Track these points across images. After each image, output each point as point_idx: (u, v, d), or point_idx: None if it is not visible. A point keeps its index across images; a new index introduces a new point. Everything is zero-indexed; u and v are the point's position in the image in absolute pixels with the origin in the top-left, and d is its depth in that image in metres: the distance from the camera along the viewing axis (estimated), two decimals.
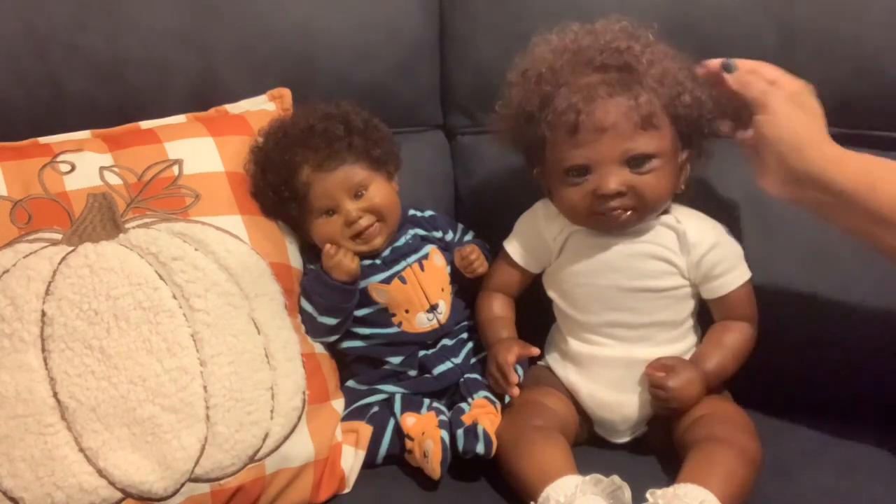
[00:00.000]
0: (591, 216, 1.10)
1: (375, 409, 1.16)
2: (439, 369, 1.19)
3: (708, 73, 1.09)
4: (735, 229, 1.17)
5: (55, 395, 0.99)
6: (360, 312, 1.19)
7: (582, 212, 1.10)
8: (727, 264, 1.12)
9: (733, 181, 1.26)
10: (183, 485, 1.00)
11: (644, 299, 1.12)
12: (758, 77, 1.06)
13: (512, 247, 1.20)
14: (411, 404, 1.15)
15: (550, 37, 1.12)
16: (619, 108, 1.05)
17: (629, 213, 1.08)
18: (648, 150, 1.06)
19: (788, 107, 1.04)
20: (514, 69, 1.13)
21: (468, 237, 1.29)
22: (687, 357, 1.13)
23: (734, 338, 1.13)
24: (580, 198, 1.09)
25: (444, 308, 1.21)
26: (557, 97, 1.07)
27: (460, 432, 1.09)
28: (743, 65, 1.08)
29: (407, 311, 1.19)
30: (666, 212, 1.14)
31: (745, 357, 1.13)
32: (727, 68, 1.08)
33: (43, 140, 1.18)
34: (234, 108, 1.26)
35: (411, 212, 1.25)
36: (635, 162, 1.06)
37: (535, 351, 1.16)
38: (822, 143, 1.03)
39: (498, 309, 1.22)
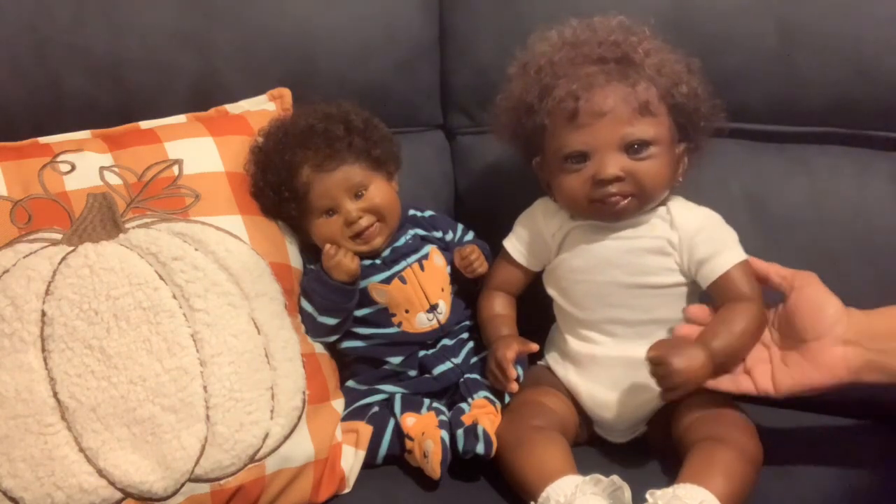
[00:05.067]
0: (590, 204, 1.10)
1: (375, 409, 1.16)
2: (439, 369, 1.19)
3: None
4: (735, 229, 1.17)
5: (55, 395, 0.99)
6: (360, 312, 1.19)
7: (581, 200, 1.10)
8: (716, 246, 1.10)
9: (733, 181, 1.26)
10: (183, 485, 1.00)
11: (642, 296, 1.12)
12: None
13: (511, 245, 1.20)
14: (411, 404, 1.15)
15: (549, 33, 1.13)
16: (617, 94, 1.06)
17: (628, 199, 1.09)
18: (646, 137, 1.07)
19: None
20: (513, 63, 1.15)
21: (468, 237, 1.29)
22: None
23: (739, 315, 1.07)
24: (579, 185, 1.09)
25: (444, 308, 1.21)
26: (557, 87, 1.08)
27: (460, 432, 1.09)
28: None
29: (407, 311, 1.19)
30: (662, 205, 1.14)
31: (756, 334, 1.07)
32: None
33: (43, 140, 1.18)
34: (234, 108, 1.26)
35: (411, 212, 1.25)
36: (634, 148, 1.07)
37: (535, 347, 1.16)
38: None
39: (499, 307, 1.22)
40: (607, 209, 1.10)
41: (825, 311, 1.03)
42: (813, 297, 1.04)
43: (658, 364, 1.02)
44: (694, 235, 1.11)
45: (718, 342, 1.06)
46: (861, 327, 1.01)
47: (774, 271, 1.10)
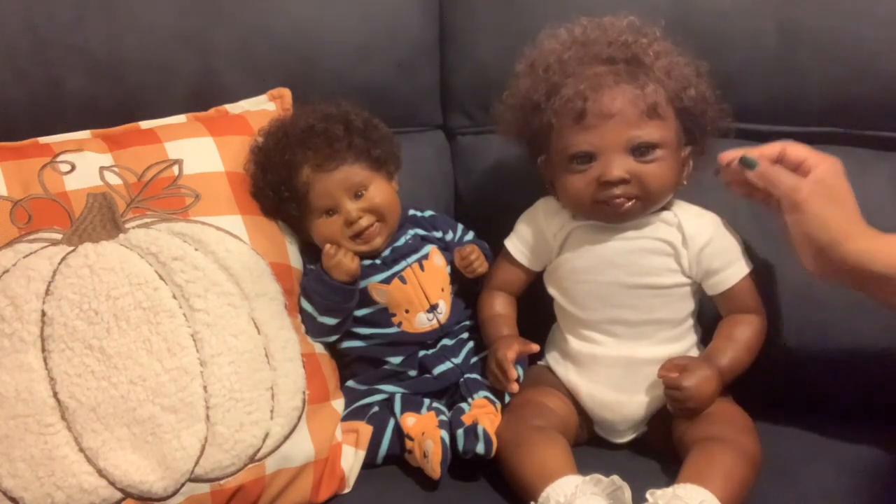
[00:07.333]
0: (595, 205, 1.10)
1: (375, 409, 1.16)
2: (439, 369, 1.19)
3: (727, 169, 1.07)
4: (735, 229, 1.17)
5: (55, 395, 0.99)
6: (360, 312, 1.19)
7: (585, 200, 1.10)
8: (726, 258, 1.12)
9: None
10: (183, 485, 1.00)
11: (644, 296, 1.12)
12: (780, 171, 1.03)
13: (513, 245, 1.20)
14: (411, 404, 1.15)
15: (559, 31, 1.13)
16: (625, 96, 1.06)
17: (632, 202, 1.09)
18: (653, 140, 1.07)
19: (817, 203, 1.01)
20: (521, 60, 1.14)
21: (468, 237, 1.29)
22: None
23: (744, 331, 1.12)
24: (584, 185, 1.09)
25: (444, 308, 1.21)
26: (565, 86, 1.08)
27: (460, 432, 1.09)
28: (768, 151, 1.05)
29: (407, 311, 1.19)
30: (666, 208, 1.14)
31: (758, 349, 1.13)
32: (748, 165, 1.05)
33: (43, 140, 1.18)
34: (234, 108, 1.26)
35: (411, 212, 1.25)
36: (640, 150, 1.07)
37: (535, 347, 1.16)
38: (856, 235, 1.00)
39: (499, 307, 1.22)
40: (611, 210, 1.10)
41: (813, 246, 1.02)
42: (806, 231, 1.02)
43: (672, 388, 1.06)
44: (704, 247, 1.11)
45: (726, 360, 1.10)
46: (841, 264, 1.00)
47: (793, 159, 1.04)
